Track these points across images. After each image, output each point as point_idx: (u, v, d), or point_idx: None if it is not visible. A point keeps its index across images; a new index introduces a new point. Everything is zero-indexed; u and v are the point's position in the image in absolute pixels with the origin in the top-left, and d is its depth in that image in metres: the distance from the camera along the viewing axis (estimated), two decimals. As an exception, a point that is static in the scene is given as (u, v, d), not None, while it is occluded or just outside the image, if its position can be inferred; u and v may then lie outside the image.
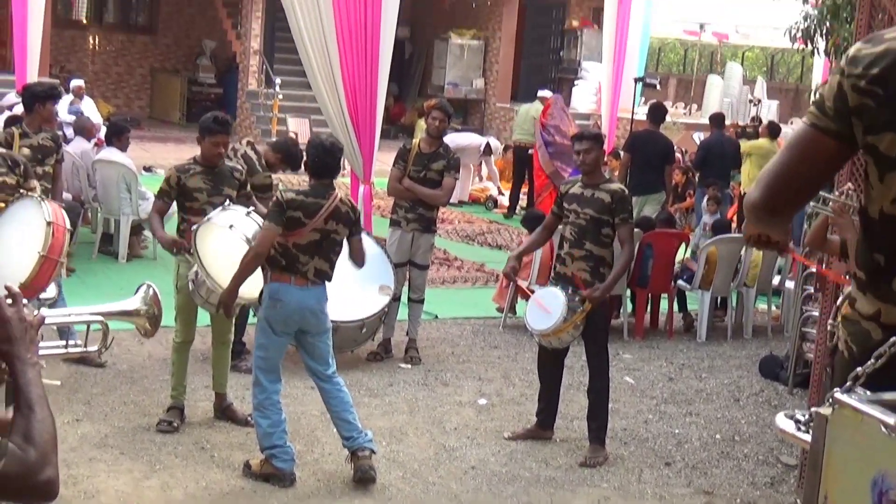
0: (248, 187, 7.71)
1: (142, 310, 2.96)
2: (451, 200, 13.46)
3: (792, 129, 23.72)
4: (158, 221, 7.51)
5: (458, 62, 26.71)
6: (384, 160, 11.70)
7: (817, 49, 10.12)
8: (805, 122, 2.59)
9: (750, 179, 15.04)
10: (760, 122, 19.53)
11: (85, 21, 26.85)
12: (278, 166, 9.12)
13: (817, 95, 2.62)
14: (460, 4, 27.18)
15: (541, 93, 17.50)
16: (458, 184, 12.11)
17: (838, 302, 3.74)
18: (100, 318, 2.85)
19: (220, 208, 7.08)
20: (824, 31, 9.58)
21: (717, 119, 15.74)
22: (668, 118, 15.12)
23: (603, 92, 21.20)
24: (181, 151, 18.67)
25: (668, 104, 25.93)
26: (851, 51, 2.52)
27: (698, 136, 18.96)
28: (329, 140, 6.89)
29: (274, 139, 12.10)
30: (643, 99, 21.04)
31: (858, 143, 2.50)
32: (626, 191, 7.59)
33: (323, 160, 6.65)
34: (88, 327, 2.89)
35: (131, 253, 12.05)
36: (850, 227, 5.29)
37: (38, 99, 8.81)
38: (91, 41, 26.40)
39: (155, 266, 11.60)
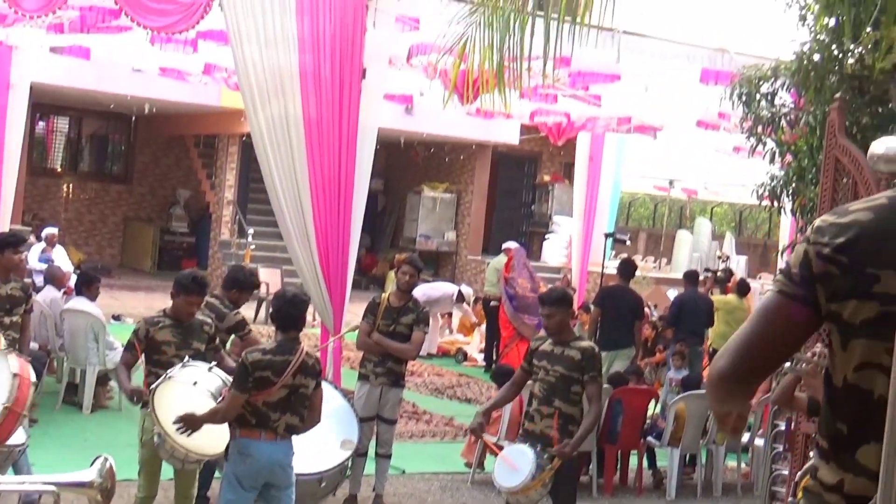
0: (218, 339, 7.68)
1: (96, 482, 2.92)
2: (421, 353, 13.43)
3: (761, 284, 23.97)
4: (125, 372, 7.47)
5: (431, 215, 27.02)
6: (355, 312, 11.69)
7: (784, 208, 10.32)
8: (773, 289, 2.63)
9: (717, 335, 15.10)
10: (732, 273, 19.68)
11: (59, 170, 27.11)
12: (238, 299, 8.98)
13: (784, 264, 2.66)
14: (433, 158, 27.64)
15: (505, 245, 17.63)
16: (428, 336, 12.12)
17: (797, 477, 3.74)
18: (53, 488, 2.80)
19: (181, 365, 7.01)
20: (790, 192, 9.77)
21: (691, 277, 15.87)
22: (637, 272, 15.25)
23: (573, 246, 21.48)
24: (152, 300, 18.71)
25: (637, 258, 26.22)
26: (818, 222, 2.58)
27: (672, 293, 19.11)
28: (292, 291, 6.93)
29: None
30: (613, 253, 21.27)
31: (822, 310, 2.53)
32: (596, 348, 7.61)
33: (287, 311, 6.67)
34: (40, 497, 2.86)
35: (96, 403, 11.90)
36: (823, 388, 5.31)
37: (-2, 247, 8.73)
38: (65, 189, 26.63)
39: (120, 417, 11.47)
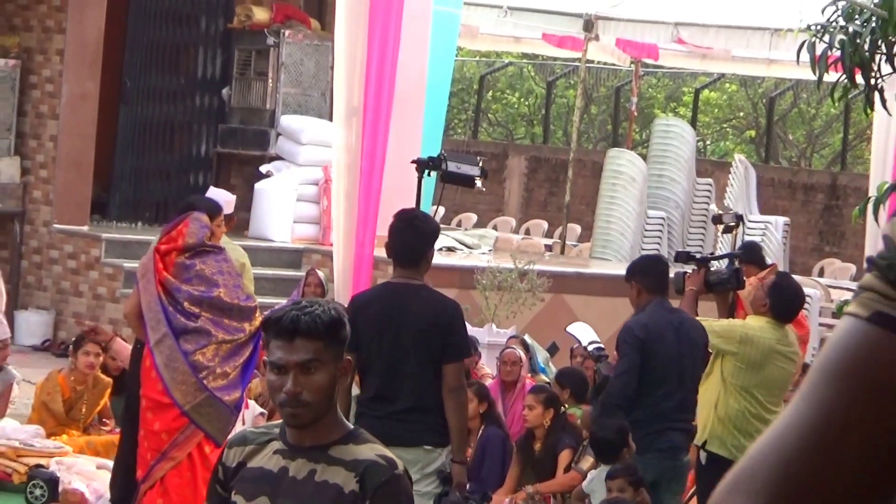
0: None
1: None
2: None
3: (822, 291, 24.57)
4: None
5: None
6: None
7: (879, 90, 10.58)
8: (854, 310, 2.63)
9: (717, 422, 15.45)
10: (758, 256, 20.12)
11: None
12: None
13: (884, 246, 2.67)
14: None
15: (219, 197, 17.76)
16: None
17: None
18: None
19: None
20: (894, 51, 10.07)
21: (655, 278, 16.16)
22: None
23: (336, 194, 21.78)
24: None
25: (508, 223, 26.63)
26: None
27: (579, 307, 19.54)
28: None
29: None
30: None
31: None
32: (399, 464, 7.80)
33: None
34: None
35: None
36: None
37: None
38: None
39: None
